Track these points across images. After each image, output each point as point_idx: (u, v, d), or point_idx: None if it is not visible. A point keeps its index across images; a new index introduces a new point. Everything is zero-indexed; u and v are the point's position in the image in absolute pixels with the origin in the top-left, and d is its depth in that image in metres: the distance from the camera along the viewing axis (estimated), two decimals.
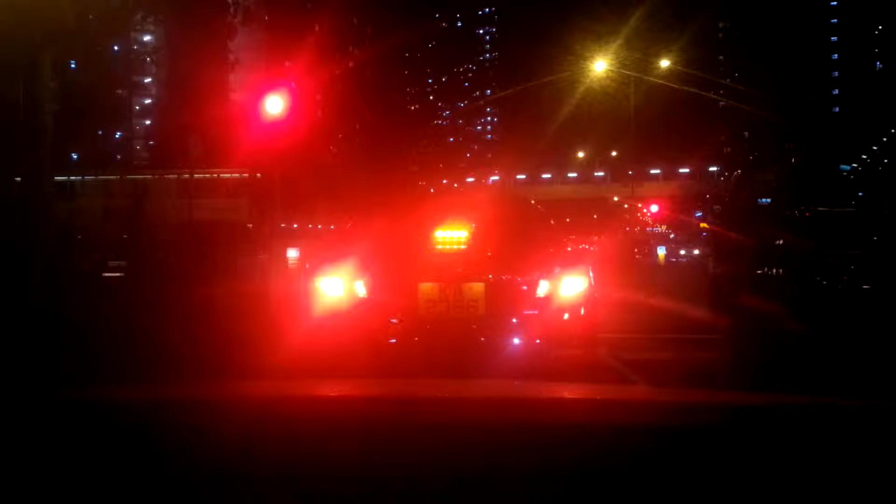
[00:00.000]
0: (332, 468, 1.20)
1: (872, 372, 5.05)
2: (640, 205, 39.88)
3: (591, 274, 5.52)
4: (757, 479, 1.18)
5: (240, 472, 1.20)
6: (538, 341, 5.12)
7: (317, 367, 4.66)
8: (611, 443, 1.27)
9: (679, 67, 35.53)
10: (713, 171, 44.36)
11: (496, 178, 54.25)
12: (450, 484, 1.16)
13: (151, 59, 40.95)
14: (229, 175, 28.37)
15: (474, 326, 4.98)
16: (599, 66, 32.38)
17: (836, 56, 75.76)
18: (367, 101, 39.32)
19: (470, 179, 56.18)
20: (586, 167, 51.54)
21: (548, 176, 52.05)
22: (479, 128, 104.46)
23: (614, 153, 49.71)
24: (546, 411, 1.52)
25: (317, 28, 32.57)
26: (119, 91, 42.31)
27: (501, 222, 5.76)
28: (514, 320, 5.05)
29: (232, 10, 13.53)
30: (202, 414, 1.42)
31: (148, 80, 46.26)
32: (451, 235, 5.27)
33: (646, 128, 33.24)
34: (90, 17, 9.57)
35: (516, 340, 5.05)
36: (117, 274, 16.35)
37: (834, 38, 75.67)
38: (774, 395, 1.78)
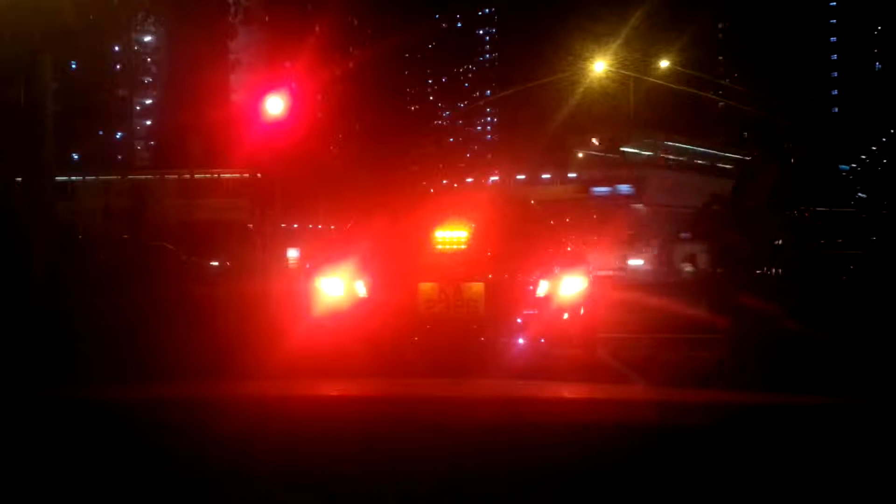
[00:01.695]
0: (332, 468, 1.20)
1: (872, 372, 5.06)
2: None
3: (590, 274, 5.52)
4: (756, 479, 1.18)
5: (240, 472, 1.20)
6: (538, 341, 5.12)
7: (317, 367, 4.66)
8: (610, 442, 1.27)
9: (679, 67, 35.46)
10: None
11: (496, 178, 54.08)
12: (450, 483, 1.17)
13: (152, 59, 40.97)
14: (229, 175, 28.37)
15: (474, 326, 4.99)
16: (599, 66, 32.37)
17: (835, 56, 75.72)
18: (367, 101, 39.34)
19: (469, 179, 56.04)
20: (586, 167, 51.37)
21: (548, 176, 51.87)
22: (479, 128, 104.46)
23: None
24: (546, 411, 1.52)
25: (317, 29, 32.61)
26: (119, 91, 42.24)
27: (501, 222, 5.76)
28: (514, 320, 5.06)
29: (232, 10, 13.54)
30: (202, 414, 1.42)
31: (148, 80, 46.18)
32: (451, 235, 5.27)
33: (646, 128, 33.23)
34: (90, 17, 9.58)
35: (516, 340, 5.05)
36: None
37: (833, 39, 75.62)
38: (774, 394, 1.78)
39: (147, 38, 40.51)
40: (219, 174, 29.16)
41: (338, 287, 5.14)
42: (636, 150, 23.61)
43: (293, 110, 10.35)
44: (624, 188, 22.51)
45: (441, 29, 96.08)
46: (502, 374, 4.77)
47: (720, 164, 24.83)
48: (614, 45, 33.26)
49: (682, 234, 20.91)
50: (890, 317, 8.13)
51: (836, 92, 73.73)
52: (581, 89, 33.67)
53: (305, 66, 24.80)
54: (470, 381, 2.54)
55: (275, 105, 10.10)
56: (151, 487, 1.17)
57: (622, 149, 23.71)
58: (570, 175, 29.03)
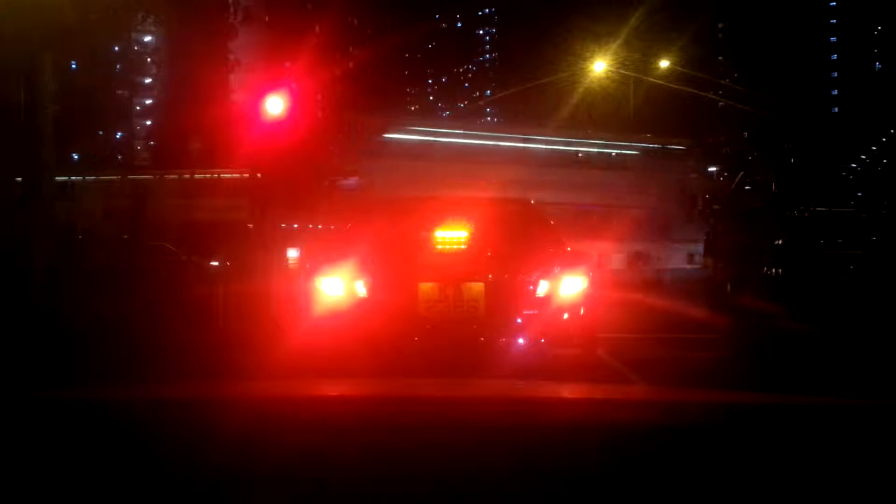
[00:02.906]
0: (332, 468, 1.20)
1: (872, 371, 5.06)
2: None
3: (590, 274, 5.52)
4: (756, 478, 1.18)
5: (240, 472, 1.20)
6: (538, 341, 5.12)
7: (317, 367, 4.66)
8: (609, 442, 1.27)
9: (679, 67, 35.48)
10: (712, 171, 44.32)
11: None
12: (450, 483, 1.17)
13: (152, 59, 40.97)
14: (229, 175, 28.31)
15: (474, 326, 4.99)
16: (599, 66, 32.38)
17: (835, 56, 75.66)
18: (367, 101, 39.25)
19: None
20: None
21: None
22: None
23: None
24: (545, 411, 1.52)
25: (317, 29, 32.53)
26: (119, 91, 42.21)
27: (501, 222, 5.76)
28: (514, 320, 5.06)
29: (232, 10, 13.56)
30: (202, 414, 1.42)
31: (148, 80, 46.12)
32: (451, 235, 5.27)
33: (646, 128, 33.18)
34: (90, 17, 9.57)
35: (516, 340, 5.05)
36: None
37: (833, 39, 75.57)
38: (774, 394, 1.78)
39: (147, 38, 40.48)
40: (219, 174, 29.08)
41: (338, 287, 5.14)
42: (406, 137, 22.15)
43: (293, 110, 10.32)
44: (351, 181, 21.21)
45: (441, 29, 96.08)
46: (502, 374, 4.77)
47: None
48: (614, 45, 33.26)
49: None
50: (890, 316, 8.14)
51: (836, 92, 73.68)
52: (581, 90, 33.66)
53: (305, 66, 24.70)
54: (470, 381, 2.54)
55: (275, 105, 10.06)
56: (151, 488, 1.17)
57: (387, 136, 22.36)
58: None
